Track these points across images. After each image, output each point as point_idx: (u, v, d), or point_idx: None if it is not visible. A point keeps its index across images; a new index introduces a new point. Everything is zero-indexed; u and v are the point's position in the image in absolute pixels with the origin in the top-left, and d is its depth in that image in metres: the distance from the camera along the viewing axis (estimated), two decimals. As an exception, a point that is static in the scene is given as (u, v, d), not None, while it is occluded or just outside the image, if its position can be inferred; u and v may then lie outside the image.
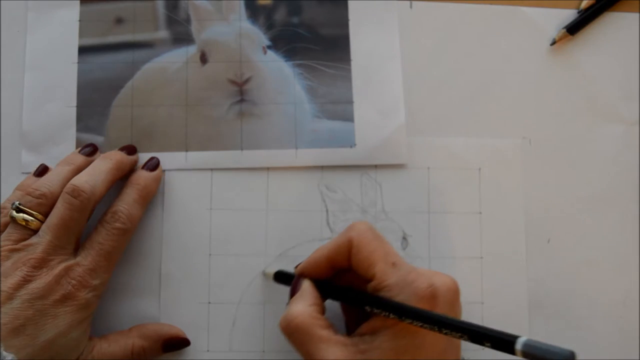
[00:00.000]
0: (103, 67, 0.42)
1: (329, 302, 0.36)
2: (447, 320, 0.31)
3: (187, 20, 0.43)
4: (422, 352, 0.32)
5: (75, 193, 0.36)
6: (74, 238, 0.36)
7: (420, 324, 0.31)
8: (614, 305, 0.42)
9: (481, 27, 0.44)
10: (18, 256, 0.35)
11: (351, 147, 0.42)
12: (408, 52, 0.43)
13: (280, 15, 0.43)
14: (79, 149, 0.40)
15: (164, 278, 0.40)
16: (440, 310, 0.32)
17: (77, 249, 0.37)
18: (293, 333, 0.34)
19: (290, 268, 0.40)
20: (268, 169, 0.42)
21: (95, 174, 0.37)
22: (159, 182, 0.41)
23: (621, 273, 0.42)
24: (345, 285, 0.37)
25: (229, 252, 0.41)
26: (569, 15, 0.44)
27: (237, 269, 0.41)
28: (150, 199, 0.40)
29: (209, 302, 0.40)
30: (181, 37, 0.43)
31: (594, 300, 0.42)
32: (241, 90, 0.42)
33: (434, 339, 0.33)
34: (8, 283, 0.34)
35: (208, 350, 0.40)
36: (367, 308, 0.34)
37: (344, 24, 0.43)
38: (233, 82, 0.42)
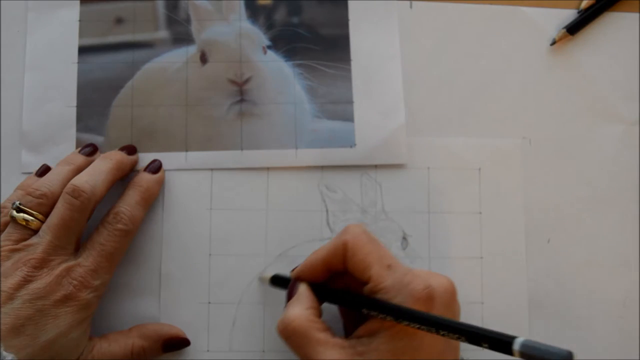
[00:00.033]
0: (103, 67, 0.42)
1: (327, 305, 0.36)
2: (444, 322, 0.31)
3: (187, 20, 0.43)
4: (420, 353, 0.32)
5: (76, 193, 0.36)
6: (75, 238, 0.36)
7: (418, 326, 0.31)
8: (614, 305, 0.42)
9: (481, 27, 0.44)
10: (18, 256, 0.35)
11: (351, 147, 0.42)
12: (408, 52, 0.43)
13: (280, 15, 0.43)
14: (79, 149, 0.40)
15: (164, 278, 0.40)
16: (437, 311, 0.32)
17: (77, 249, 0.37)
18: (290, 336, 0.34)
19: (290, 268, 0.40)
20: (268, 169, 0.42)
21: (96, 174, 0.37)
22: (161, 185, 0.41)
23: (621, 273, 0.42)
24: (342, 288, 0.37)
25: (229, 252, 0.41)
26: (569, 15, 0.44)
27: (237, 269, 0.41)
28: (152, 201, 0.40)
29: (209, 302, 0.40)
30: (181, 37, 0.43)
31: (594, 300, 0.42)
32: (241, 90, 0.42)
33: (431, 341, 0.33)
34: (8, 283, 0.34)
35: (208, 350, 0.40)
36: (364, 311, 0.34)
37: (344, 24, 0.43)
38: (233, 82, 0.42)
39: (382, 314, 0.32)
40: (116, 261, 0.37)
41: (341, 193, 0.42)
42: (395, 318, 0.32)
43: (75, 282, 0.35)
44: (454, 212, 0.42)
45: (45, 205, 0.36)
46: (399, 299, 0.32)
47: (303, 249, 0.41)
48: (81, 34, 0.43)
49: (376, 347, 0.33)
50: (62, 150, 0.41)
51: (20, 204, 0.36)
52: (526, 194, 0.42)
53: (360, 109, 0.42)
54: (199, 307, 0.40)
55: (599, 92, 0.44)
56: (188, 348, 0.40)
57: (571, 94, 0.44)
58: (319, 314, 0.35)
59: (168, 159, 0.41)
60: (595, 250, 0.42)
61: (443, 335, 0.30)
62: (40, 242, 0.35)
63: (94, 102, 0.42)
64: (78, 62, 0.42)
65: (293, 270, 0.38)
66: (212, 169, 0.42)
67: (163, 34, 0.43)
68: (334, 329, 0.35)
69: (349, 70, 0.43)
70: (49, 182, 0.37)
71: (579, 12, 0.44)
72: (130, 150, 0.41)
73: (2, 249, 0.35)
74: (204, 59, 0.42)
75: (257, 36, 0.43)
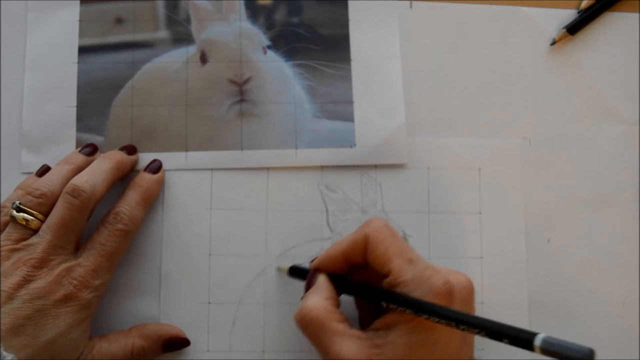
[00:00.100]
0: (103, 67, 0.42)
1: (342, 298, 0.36)
2: (465, 317, 0.31)
3: (187, 20, 0.43)
4: (436, 348, 0.32)
5: (76, 193, 0.36)
6: (74, 238, 0.36)
7: (438, 320, 0.31)
8: (614, 305, 0.42)
9: (481, 27, 0.44)
10: (18, 256, 0.35)
11: (351, 147, 0.42)
12: (408, 52, 0.43)
13: (280, 15, 0.43)
14: (79, 148, 0.40)
15: (164, 278, 0.40)
16: (456, 307, 0.32)
17: (77, 249, 0.37)
18: (308, 326, 0.34)
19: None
20: (268, 169, 0.42)
21: (96, 174, 0.37)
22: (161, 185, 0.41)
23: (621, 273, 0.42)
24: (360, 280, 0.37)
25: (229, 252, 0.41)
26: (569, 15, 0.44)
27: (237, 269, 0.41)
28: (153, 201, 0.40)
29: (209, 302, 0.40)
30: (181, 37, 0.43)
31: (594, 300, 0.42)
32: (241, 90, 0.42)
33: (448, 336, 0.33)
34: (8, 283, 0.34)
35: (208, 350, 0.40)
36: (383, 304, 0.34)
37: (344, 24, 0.43)
38: (233, 82, 0.42)
39: (402, 307, 0.32)
40: (116, 261, 0.37)
41: (341, 193, 0.42)
42: (414, 311, 0.32)
43: (75, 282, 0.35)
44: (454, 212, 0.42)
45: (45, 205, 0.36)
46: (418, 293, 0.32)
47: (303, 249, 0.41)
48: (81, 34, 0.43)
49: (393, 340, 0.33)
50: (62, 150, 0.41)
51: (20, 203, 0.36)
52: (526, 194, 0.42)
53: (360, 109, 0.42)
54: (199, 307, 0.40)
55: (599, 92, 0.44)
56: (188, 348, 0.40)
57: (571, 94, 0.44)
58: (337, 304, 0.35)
59: (168, 159, 0.41)
60: (595, 250, 0.42)
61: (463, 329, 0.31)
62: (40, 241, 0.35)
63: (94, 102, 0.42)
64: (78, 62, 0.42)
65: (312, 261, 0.38)
66: (212, 169, 0.42)
67: (163, 34, 0.43)
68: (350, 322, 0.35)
69: (349, 70, 0.43)
70: (48, 182, 0.37)
71: (579, 12, 0.44)
72: (130, 150, 0.41)
73: (2, 248, 0.35)
74: (204, 59, 0.42)
75: (257, 36, 0.43)
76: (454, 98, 0.43)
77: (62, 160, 0.39)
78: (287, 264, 0.40)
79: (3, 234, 0.36)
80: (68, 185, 0.36)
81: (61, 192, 0.36)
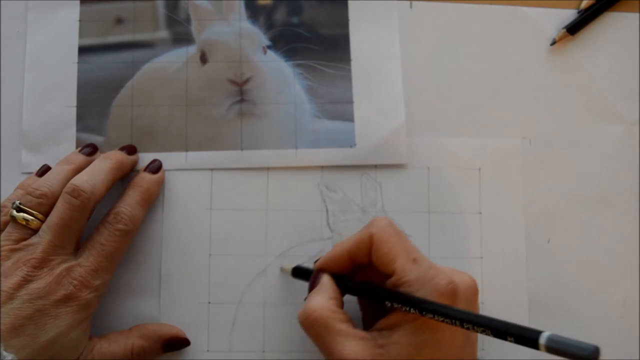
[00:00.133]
0: (103, 67, 0.42)
1: (345, 298, 0.36)
2: (470, 316, 0.31)
3: (187, 20, 0.43)
4: (440, 348, 0.32)
5: (76, 193, 0.36)
6: (74, 238, 0.36)
7: (442, 319, 0.31)
8: (614, 305, 0.42)
9: (481, 27, 0.44)
10: (18, 256, 0.35)
11: (351, 147, 0.42)
12: (408, 52, 0.43)
13: (280, 15, 0.43)
14: (79, 148, 0.40)
15: (164, 278, 0.40)
16: (460, 307, 0.32)
17: (77, 249, 0.37)
18: (311, 326, 0.34)
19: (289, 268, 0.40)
20: (268, 169, 0.42)
21: (95, 174, 0.37)
22: (161, 185, 0.41)
23: (621, 273, 0.42)
24: (364, 281, 0.37)
25: (229, 252, 0.41)
26: (569, 15, 0.44)
27: (237, 269, 0.41)
28: (153, 201, 0.40)
29: (209, 302, 0.40)
30: (181, 37, 0.43)
31: (594, 300, 0.42)
32: (241, 90, 0.42)
33: (452, 336, 0.33)
34: (8, 283, 0.34)
35: (208, 350, 0.40)
36: (388, 303, 0.34)
37: (344, 24, 0.43)
38: (233, 82, 0.42)
39: (406, 306, 0.32)
40: (116, 261, 0.37)
41: (341, 193, 0.42)
42: (419, 311, 0.32)
43: (75, 282, 0.35)
44: (454, 212, 0.42)
45: (45, 205, 0.36)
46: (422, 293, 0.32)
47: (303, 249, 0.41)
48: (81, 34, 0.43)
49: (397, 340, 0.33)
50: (62, 150, 0.41)
51: (20, 203, 0.36)
52: (526, 194, 0.42)
53: (360, 109, 0.42)
54: (199, 307, 0.40)
55: (599, 92, 0.44)
56: (188, 348, 0.40)
57: (571, 94, 0.44)
58: (341, 305, 0.35)
59: (168, 159, 0.41)
60: (595, 250, 0.42)
61: (468, 328, 0.31)
62: (40, 241, 0.35)
63: (94, 102, 0.42)
64: (78, 62, 0.42)
65: (316, 261, 0.38)
66: (212, 169, 0.42)
67: (163, 34, 0.43)
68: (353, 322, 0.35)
69: (349, 70, 0.43)
70: (48, 182, 0.37)
71: (579, 12, 0.44)
72: (130, 150, 0.41)
73: (2, 248, 0.35)
74: (204, 59, 0.42)
75: (257, 36, 0.43)
76: (454, 98, 0.43)
77: (62, 160, 0.39)
78: (290, 265, 0.40)
79: (3, 234, 0.36)
80: (68, 185, 0.36)
81: (61, 192, 0.36)
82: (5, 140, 0.42)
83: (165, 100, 0.42)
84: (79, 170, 0.38)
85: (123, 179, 0.40)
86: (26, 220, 0.36)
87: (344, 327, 0.33)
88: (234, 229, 0.41)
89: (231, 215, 0.41)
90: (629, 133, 0.43)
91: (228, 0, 0.43)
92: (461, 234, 0.42)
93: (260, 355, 0.40)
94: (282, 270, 0.40)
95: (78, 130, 0.42)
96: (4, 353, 0.32)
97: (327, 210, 0.41)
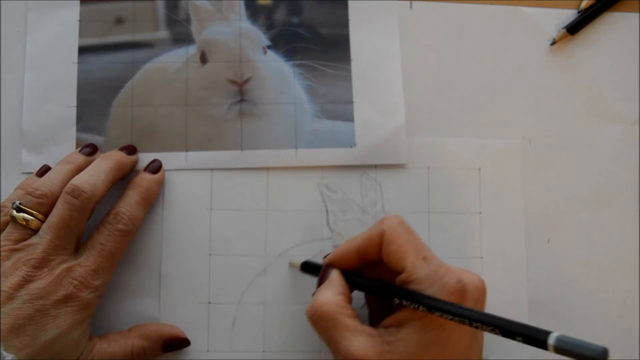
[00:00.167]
0: (103, 67, 0.42)
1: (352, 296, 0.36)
2: (479, 315, 0.31)
3: (187, 20, 0.43)
4: (447, 346, 0.33)
5: (76, 193, 0.36)
6: (74, 238, 0.36)
7: (451, 317, 0.31)
8: (614, 305, 0.42)
9: (481, 27, 0.44)
10: (18, 256, 0.35)
11: (351, 147, 0.42)
12: (408, 52, 0.43)
13: (280, 15, 0.43)
14: (79, 148, 0.40)
15: (164, 278, 0.40)
16: (468, 306, 0.32)
17: (77, 249, 0.37)
18: (319, 321, 0.34)
19: (289, 268, 0.40)
20: (268, 169, 0.42)
21: (96, 174, 0.37)
22: (160, 185, 0.41)
23: (621, 273, 0.42)
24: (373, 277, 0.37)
25: (229, 252, 0.41)
26: (569, 15, 0.44)
27: (237, 269, 0.41)
28: (153, 201, 0.40)
29: (209, 302, 0.40)
30: (181, 37, 0.43)
31: (594, 300, 0.42)
32: (241, 90, 0.42)
33: (459, 335, 0.33)
34: (8, 283, 0.34)
35: (208, 350, 0.40)
36: (396, 300, 0.34)
37: (344, 24, 0.43)
38: (233, 82, 0.42)
39: (416, 304, 0.32)
40: (116, 261, 0.37)
41: (341, 193, 0.42)
42: (428, 309, 0.32)
43: (75, 282, 0.35)
44: (454, 212, 0.42)
45: (45, 205, 0.36)
46: (431, 291, 0.33)
47: (303, 249, 0.41)
48: (81, 34, 0.43)
49: (404, 337, 0.33)
50: (62, 150, 0.41)
51: (20, 203, 0.36)
52: (526, 194, 0.42)
53: (360, 109, 0.42)
54: (199, 307, 0.40)
55: (599, 92, 0.44)
56: (188, 348, 0.40)
57: (571, 94, 0.44)
58: (350, 300, 0.35)
59: (168, 159, 0.41)
60: (595, 250, 0.42)
61: (476, 327, 0.31)
62: (40, 241, 0.35)
63: (94, 102, 0.42)
64: (78, 62, 0.42)
65: (326, 256, 0.38)
66: (212, 169, 0.41)
67: (163, 34, 0.43)
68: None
69: (349, 70, 0.43)
70: (48, 182, 0.37)
71: (579, 12, 0.44)
72: (130, 150, 0.41)
73: (2, 248, 0.35)
74: (204, 59, 0.42)
75: (257, 36, 0.43)
76: (454, 98, 0.43)
77: (62, 160, 0.39)
78: (299, 260, 0.40)
79: (3, 234, 0.36)
80: (68, 185, 0.36)
81: (61, 192, 0.36)
82: (5, 140, 0.42)
83: (165, 100, 0.42)
84: (79, 170, 0.38)
85: (123, 179, 0.40)
86: (26, 220, 0.36)
87: (352, 322, 0.33)
88: (234, 229, 0.41)
89: (231, 215, 0.41)
90: (629, 133, 0.43)
91: (228, 0, 0.43)
92: (461, 234, 0.42)
93: (260, 355, 0.40)
94: (291, 265, 0.40)
95: (78, 130, 0.42)
96: (4, 353, 0.32)
97: (327, 210, 0.41)
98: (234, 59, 0.42)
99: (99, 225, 0.37)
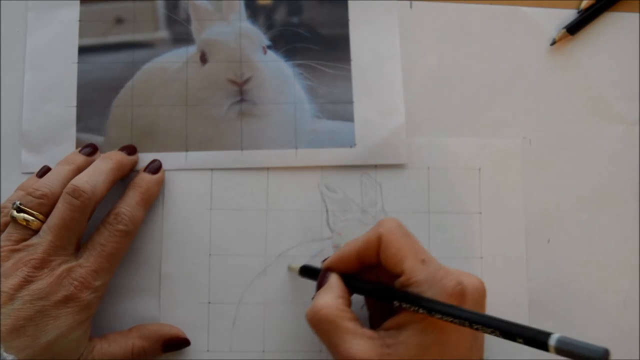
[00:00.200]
0: (103, 67, 0.42)
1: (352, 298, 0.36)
2: (479, 316, 0.31)
3: (187, 20, 0.43)
4: (447, 349, 0.33)
5: (76, 193, 0.36)
6: (75, 238, 0.36)
7: (451, 320, 0.31)
8: (614, 305, 0.42)
9: (481, 27, 0.44)
10: (19, 256, 0.35)
11: (351, 147, 0.42)
12: (408, 52, 0.43)
13: (280, 15, 0.43)
14: (79, 149, 0.40)
15: (164, 278, 0.40)
16: (468, 308, 0.32)
17: (77, 250, 0.37)
18: (319, 324, 0.34)
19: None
20: (268, 169, 0.42)
21: (96, 174, 0.37)
22: (160, 185, 0.41)
23: (621, 273, 0.42)
24: (372, 280, 0.37)
25: (229, 252, 0.41)
26: (569, 15, 0.44)
27: (237, 269, 0.41)
28: (152, 201, 0.40)
29: (209, 302, 0.40)
30: (181, 37, 0.43)
31: (594, 301, 0.42)
32: (241, 90, 0.42)
33: (459, 337, 0.33)
34: (9, 284, 0.34)
35: (208, 350, 0.40)
36: (396, 303, 0.34)
37: (344, 24, 0.43)
38: (233, 82, 0.42)
39: (415, 306, 0.32)
40: (117, 262, 0.37)
41: (341, 193, 0.42)
42: (428, 311, 0.32)
43: (76, 282, 0.35)
44: (454, 212, 0.42)
45: (46, 206, 0.36)
46: (430, 293, 0.33)
47: (303, 249, 0.41)
48: (81, 34, 0.43)
49: (404, 340, 0.33)
50: (62, 150, 0.41)
51: (20, 204, 0.36)
52: (526, 194, 0.42)
53: (360, 109, 0.42)
54: (199, 307, 0.40)
55: (599, 92, 0.44)
56: (188, 348, 0.40)
57: (571, 94, 0.44)
58: (349, 304, 0.35)
59: (168, 159, 0.41)
60: (595, 250, 0.42)
61: (477, 329, 0.31)
62: (41, 242, 0.35)
63: (94, 102, 0.42)
64: (78, 62, 0.42)
65: (324, 260, 0.38)
66: (212, 169, 0.41)
67: (163, 34, 0.43)
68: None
69: (349, 70, 0.43)
70: (49, 182, 0.37)
71: (579, 12, 0.44)
72: (131, 150, 0.41)
73: (2, 249, 0.35)
74: (204, 59, 0.42)
75: (257, 36, 0.43)
76: (454, 98, 0.43)
77: (62, 160, 0.39)
78: (297, 264, 0.40)
79: (3, 235, 0.36)
80: (68, 185, 0.36)
81: (62, 192, 0.36)
82: (5, 140, 0.42)
83: (165, 100, 0.42)
84: (79, 170, 0.38)
85: (123, 179, 0.40)
86: (26, 220, 0.36)
87: (351, 325, 0.33)
88: (234, 229, 0.41)
89: (231, 215, 0.41)
90: (629, 133, 0.43)
91: (228, 0, 0.43)
92: (461, 234, 0.42)
93: (260, 355, 0.40)
94: (290, 269, 0.40)
95: (78, 130, 0.42)
96: (5, 354, 0.32)
97: (327, 210, 0.41)
98: (234, 59, 0.42)
99: (99, 226, 0.37)
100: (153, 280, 0.40)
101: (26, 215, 0.36)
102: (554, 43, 0.44)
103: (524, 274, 0.42)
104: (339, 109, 0.42)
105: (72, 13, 0.43)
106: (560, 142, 0.43)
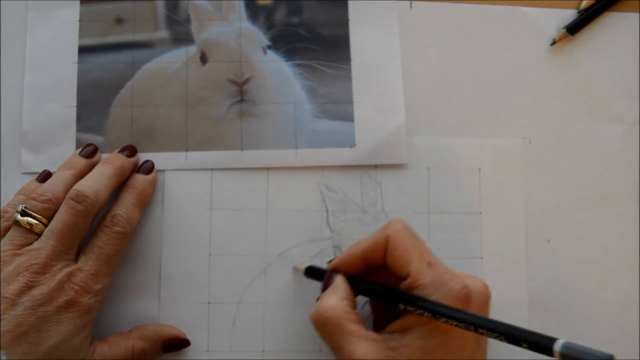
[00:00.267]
0: (103, 67, 0.42)
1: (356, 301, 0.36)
2: (484, 321, 0.31)
3: (187, 20, 0.43)
4: (451, 352, 0.33)
5: (80, 198, 0.36)
6: (77, 243, 0.36)
7: (456, 323, 0.31)
8: (614, 305, 0.42)
9: (481, 27, 0.44)
10: (20, 261, 0.35)
11: (351, 147, 0.42)
12: (408, 52, 0.43)
13: (280, 15, 0.43)
14: (79, 149, 0.40)
15: (164, 278, 0.40)
16: (472, 312, 0.32)
17: (78, 255, 0.36)
18: (323, 325, 0.34)
19: (289, 268, 0.40)
20: (268, 169, 0.42)
21: (98, 179, 0.37)
22: (154, 185, 0.41)
23: (621, 273, 0.42)
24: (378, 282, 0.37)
25: (229, 252, 0.41)
26: (569, 15, 0.44)
27: (237, 269, 0.41)
28: (148, 202, 0.40)
29: (209, 302, 0.40)
30: (181, 37, 0.43)
31: (594, 300, 0.42)
32: (241, 90, 0.42)
33: (463, 341, 0.33)
34: (10, 289, 0.34)
35: (208, 350, 0.40)
36: (401, 305, 0.34)
37: (344, 24, 0.43)
38: (233, 82, 0.42)
39: (420, 309, 0.32)
40: (115, 264, 0.37)
41: (341, 193, 0.42)
42: (433, 314, 0.32)
43: (76, 287, 0.35)
44: (454, 212, 0.42)
45: (50, 210, 0.36)
46: (436, 296, 0.33)
47: (303, 249, 0.41)
48: (81, 34, 0.42)
49: (408, 343, 0.33)
50: (62, 150, 0.41)
51: (25, 207, 0.36)
52: (526, 194, 0.42)
53: (360, 109, 0.42)
54: (199, 307, 0.40)
55: (599, 92, 0.44)
56: (188, 348, 0.40)
57: (571, 94, 0.44)
58: (354, 306, 0.35)
59: (168, 159, 0.41)
60: (595, 250, 0.42)
61: (482, 333, 0.31)
62: (44, 247, 0.35)
63: (94, 102, 0.42)
64: (78, 62, 0.42)
65: (330, 261, 0.38)
66: (212, 169, 0.41)
67: (163, 34, 0.43)
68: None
69: (349, 70, 0.43)
70: (52, 187, 0.37)
71: (579, 12, 0.44)
72: (131, 151, 0.41)
73: (4, 253, 0.35)
74: (204, 59, 0.42)
75: (257, 36, 0.43)
76: (454, 98, 0.43)
77: (63, 164, 0.39)
78: (303, 264, 0.40)
79: (5, 238, 0.36)
80: (72, 190, 0.36)
81: (64, 197, 0.36)
82: (5, 140, 0.42)
83: (165, 100, 0.42)
84: (80, 174, 0.38)
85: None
86: (30, 224, 0.35)
87: (356, 327, 0.33)
88: (234, 229, 0.41)
89: (231, 215, 0.41)
90: (629, 133, 0.43)
91: (228, 0, 0.43)
92: (461, 234, 0.42)
93: (260, 355, 0.40)
94: (295, 269, 0.40)
95: (78, 130, 0.42)
96: (6, 361, 0.32)
97: (327, 210, 0.41)
98: (234, 59, 0.42)
99: (96, 229, 0.37)
100: (153, 281, 0.40)
101: (30, 219, 0.36)
102: (554, 43, 0.44)
103: (524, 274, 0.42)
104: (339, 109, 0.42)
105: (72, 13, 0.43)
106: (560, 142, 0.43)
